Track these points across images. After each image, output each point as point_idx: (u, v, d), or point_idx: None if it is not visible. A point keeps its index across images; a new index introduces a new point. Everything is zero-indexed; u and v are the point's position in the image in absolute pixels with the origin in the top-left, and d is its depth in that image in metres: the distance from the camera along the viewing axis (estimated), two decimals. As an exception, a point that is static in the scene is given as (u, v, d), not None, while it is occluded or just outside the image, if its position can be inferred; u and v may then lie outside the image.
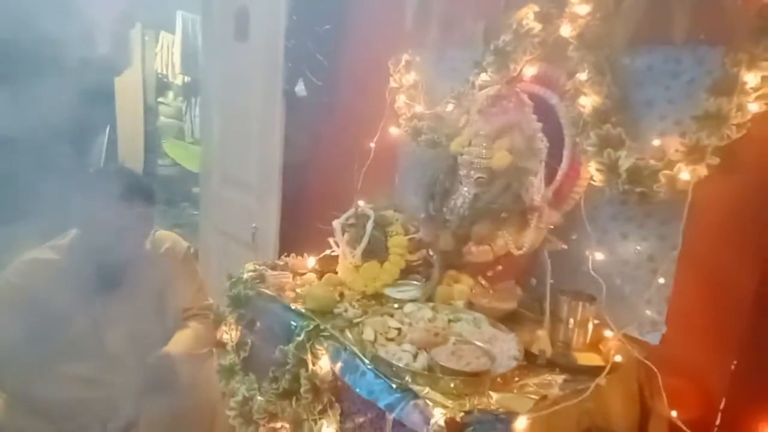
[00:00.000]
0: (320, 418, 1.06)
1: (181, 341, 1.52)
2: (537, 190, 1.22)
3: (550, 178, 1.27)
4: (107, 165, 3.29)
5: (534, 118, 1.28)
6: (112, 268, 1.51)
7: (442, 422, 0.83)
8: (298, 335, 1.13)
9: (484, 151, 1.24)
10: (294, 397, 1.12)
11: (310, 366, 1.09)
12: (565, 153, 1.29)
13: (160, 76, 5.06)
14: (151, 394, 1.42)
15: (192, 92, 5.10)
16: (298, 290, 1.31)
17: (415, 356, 0.98)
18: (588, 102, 1.19)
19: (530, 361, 1.01)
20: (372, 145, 1.71)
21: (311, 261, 1.47)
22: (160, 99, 5.15)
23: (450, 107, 1.53)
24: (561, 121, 1.30)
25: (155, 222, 1.62)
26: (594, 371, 1.00)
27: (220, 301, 1.51)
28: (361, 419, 1.03)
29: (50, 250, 1.53)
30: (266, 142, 2.03)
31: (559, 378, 0.96)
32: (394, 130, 1.70)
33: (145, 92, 4.78)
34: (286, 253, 1.56)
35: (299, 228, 2.01)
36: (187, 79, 5.05)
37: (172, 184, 4.53)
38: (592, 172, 1.19)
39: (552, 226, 1.22)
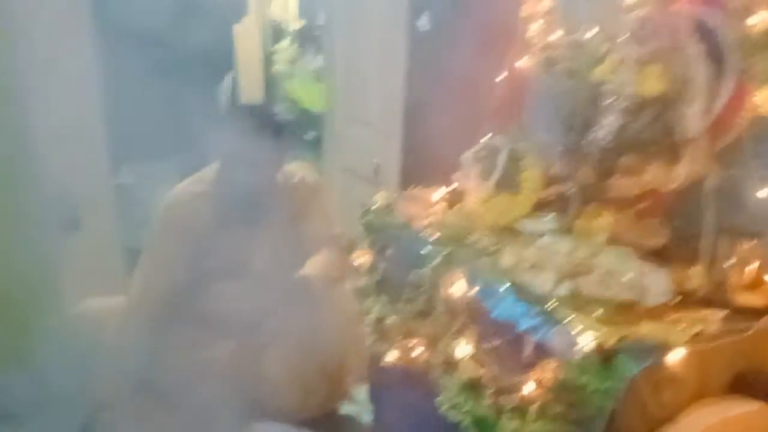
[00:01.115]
0: (457, 338, 1.09)
1: (315, 265, 1.62)
2: (692, 121, 1.13)
3: (708, 107, 1.17)
4: (241, 104, 3.45)
5: (691, 41, 1.17)
6: (251, 197, 1.63)
7: (591, 346, 0.82)
8: (433, 260, 1.16)
9: (632, 78, 1.16)
10: (429, 318, 1.16)
11: (446, 289, 1.12)
12: (727, 80, 1.18)
13: (275, 23, 5.18)
14: (291, 311, 1.55)
15: (308, 37, 5.19)
16: (429, 219, 1.33)
17: (556, 284, 0.98)
18: (758, 21, 1.07)
19: (683, 298, 0.97)
20: (500, 78, 1.65)
21: (439, 193, 1.48)
22: (276, 46, 5.29)
23: (591, 33, 1.43)
24: (723, 44, 1.18)
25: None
26: (754, 312, 0.94)
27: (348, 230, 1.59)
28: (498, 341, 1.05)
29: (198, 182, 1.67)
30: (389, 79, 2.04)
31: (717, 315, 0.91)
32: (524, 62, 1.63)
33: (262, 40, 4.92)
34: (407, 187, 1.60)
35: (421, 163, 2.02)
36: (302, 23, 5.12)
37: (292, 127, 4.71)
38: (760, 101, 1.07)
39: (708, 160, 1.13)
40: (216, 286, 1.63)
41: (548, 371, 0.92)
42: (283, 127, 1.67)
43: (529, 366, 0.97)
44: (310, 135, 3.92)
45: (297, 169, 1.78)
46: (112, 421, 1.54)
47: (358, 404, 1.99)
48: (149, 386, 1.55)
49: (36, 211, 1.72)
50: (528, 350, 0.96)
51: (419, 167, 2.04)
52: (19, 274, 1.74)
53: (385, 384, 1.49)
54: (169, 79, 2.38)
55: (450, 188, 1.48)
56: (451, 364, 1.10)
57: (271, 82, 4.84)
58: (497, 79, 1.64)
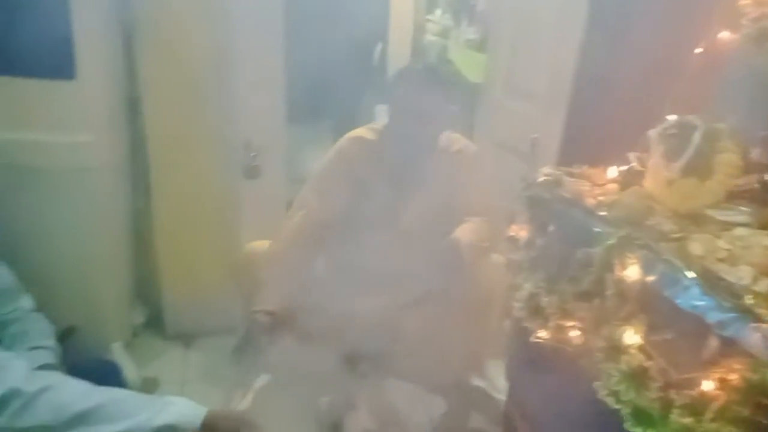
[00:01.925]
0: (623, 325, 1.03)
1: (466, 232, 1.62)
2: None
3: None
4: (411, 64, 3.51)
5: None
6: (413, 153, 1.67)
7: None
8: (606, 240, 1.09)
9: None
10: (594, 299, 1.11)
11: (618, 272, 1.06)
12: None
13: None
14: (437, 274, 1.57)
15: (462, 8, 5.11)
16: (600, 198, 1.26)
17: (755, 279, 0.88)
18: None
19: None
20: (698, 51, 1.50)
21: (612, 172, 1.39)
22: (428, 17, 5.28)
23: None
24: None
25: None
26: None
27: (502, 204, 1.56)
28: (670, 334, 0.98)
29: (370, 130, 1.77)
30: (561, 50, 1.94)
31: None
32: (727, 35, 1.46)
33: (414, 10, 4.93)
34: (565, 165, 1.52)
35: (584, 140, 1.91)
36: (457, -7, 5.04)
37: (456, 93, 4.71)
38: None
39: None
40: (366, 237, 1.70)
41: (735, 370, 0.83)
42: (451, 90, 1.69)
43: (710, 362, 0.89)
44: (463, 106, 3.88)
45: (458, 139, 1.78)
46: (258, 346, 1.66)
47: (489, 379, 1.99)
48: (294, 321, 1.66)
49: (223, 158, 1.90)
50: (712, 345, 0.88)
51: (582, 144, 1.93)
52: (202, 213, 1.95)
53: (528, 363, 1.46)
54: (329, 44, 2.49)
55: (624, 167, 1.39)
56: (614, 351, 1.04)
57: (422, 51, 4.86)
58: (692, 53, 1.49)
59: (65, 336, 1.83)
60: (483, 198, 1.74)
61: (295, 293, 1.70)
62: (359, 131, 1.78)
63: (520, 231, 1.43)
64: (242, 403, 1.76)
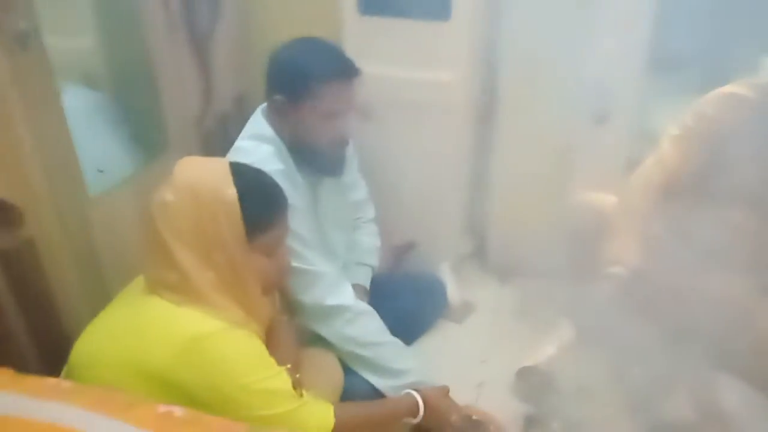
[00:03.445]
0: None
1: None
2: None
3: None
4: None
5: None
6: None
7: None
8: None
9: None
10: None
11: None
12: None
13: None
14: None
15: None
16: None
17: None
18: None
19: None
20: None
21: None
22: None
23: None
24: None
25: None
26: None
27: None
28: None
29: (750, 86, 1.47)
30: None
31: None
32: None
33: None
34: None
35: None
36: None
37: None
38: None
39: None
40: (728, 214, 1.44)
41: None
42: None
43: None
44: None
45: None
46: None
47: None
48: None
49: (571, 100, 1.84)
50: None
51: None
52: (542, 155, 1.94)
53: None
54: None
55: None
56: None
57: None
58: None
59: (406, 249, 2.11)
60: None
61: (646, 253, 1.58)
62: (733, 87, 1.49)
63: None
64: (544, 352, 1.76)
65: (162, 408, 0.81)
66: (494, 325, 2.01)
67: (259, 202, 1.07)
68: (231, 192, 1.01)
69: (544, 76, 1.87)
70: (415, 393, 1.29)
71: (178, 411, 0.82)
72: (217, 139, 1.87)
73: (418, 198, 2.02)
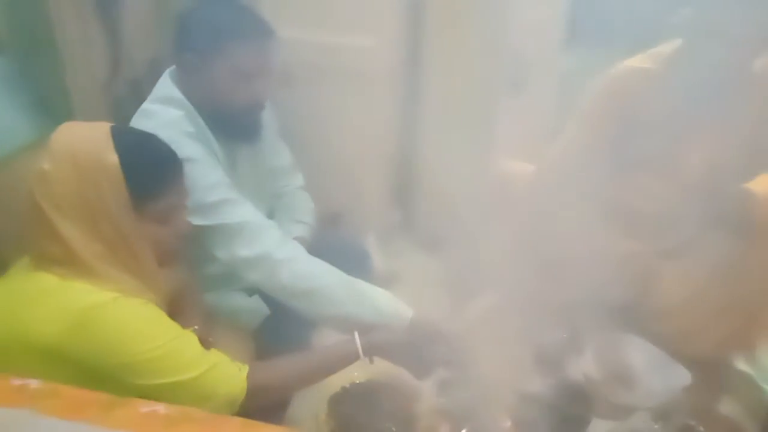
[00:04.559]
0: None
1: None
2: None
3: None
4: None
5: None
6: (707, 87, 1.38)
7: None
8: None
9: None
10: None
11: None
12: None
13: None
14: (715, 227, 1.31)
15: None
16: None
17: None
18: None
19: None
20: None
21: None
22: None
23: None
24: None
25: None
26: None
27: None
28: None
29: (648, 58, 1.52)
30: None
31: None
32: None
33: None
34: None
35: None
36: None
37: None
38: None
39: None
40: (638, 178, 1.50)
41: None
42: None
43: None
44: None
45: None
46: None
47: (760, 368, 1.64)
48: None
49: (491, 69, 1.85)
50: None
51: None
52: (466, 126, 1.96)
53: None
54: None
55: None
56: None
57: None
58: None
59: (331, 220, 2.09)
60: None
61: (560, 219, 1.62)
62: (632, 61, 1.54)
63: None
64: (466, 318, 1.80)
65: (144, 408, 0.77)
66: (419, 296, 2.03)
67: (146, 168, 1.02)
68: (112, 158, 0.97)
69: (466, 45, 1.88)
70: (356, 337, 1.18)
71: (162, 409, 0.78)
72: (129, 105, 1.78)
73: (342, 168, 2.00)
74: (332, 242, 2.01)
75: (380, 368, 1.46)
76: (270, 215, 1.63)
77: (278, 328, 1.39)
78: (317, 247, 1.89)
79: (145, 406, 0.74)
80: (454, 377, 1.44)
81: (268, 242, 1.29)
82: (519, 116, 1.88)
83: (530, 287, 1.64)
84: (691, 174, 1.47)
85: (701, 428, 1.36)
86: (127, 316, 0.98)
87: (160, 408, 0.75)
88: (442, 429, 1.33)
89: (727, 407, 1.53)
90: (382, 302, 1.29)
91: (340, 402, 1.50)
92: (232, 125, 1.43)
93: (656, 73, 1.45)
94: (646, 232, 1.48)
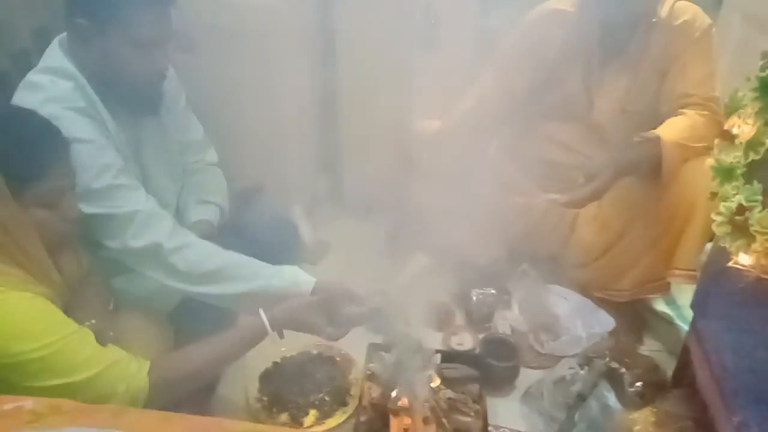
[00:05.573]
0: None
1: (674, 127, 1.33)
2: None
3: None
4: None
5: None
6: (619, 25, 1.39)
7: None
8: None
9: None
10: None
11: None
12: None
13: None
14: (626, 172, 1.33)
15: None
16: None
17: None
18: None
19: None
20: None
21: None
22: None
23: None
24: None
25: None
26: None
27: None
28: None
29: (567, 1, 1.50)
30: None
31: None
32: None
33: None
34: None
35: None
36: None
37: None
38: None
39: None
40: (548, 127, 1.50)
41: None
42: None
43: None
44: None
45: (687, 9, 1.42)
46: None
47: (675, 305, 1.72)
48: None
49: (402, 27, 1.80)
50: None
51: None
52: (382, 86, 1.91)
53: (722, 292, 1.19)
54: None
55: None
56: None
57: None
58: None
59: (251, 193, 2.00)
60: (709, 85, 1.40)
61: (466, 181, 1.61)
62: (554, 2, 1.53)
63: (743, 126, 1.11)
64: (398, 281, 1.79)
65: (8, 405, 0.69)
66: (350, 264, 2.00)
67: (22, 150, 0.93)
68: None
69: (378, 4, 1.82)
70: (261, 313, 1.15)
71: (29, 404, 0.70)
72: (14, 78, 1.63)
73: (261, 137, 1.92)
74: (256, 217, 1.94)
75: (312, 340, 1.45)
76: (180, 194, 1.54)
77: (195, 309, 1.32)
78: (240, 224, 1.82)
79: (10, 403, 0.68)
80: (384, 340, 1.44)
81: (159, 232, 1.22)
82: (434, 74, 1.85)
83: (457, 246, 1.64)
84: (603, 124, 1.49)
85: (623, 369, 1.41)
86: (11, 313, 0.89)
87: (27, 403, 0.68)
88: (374, 393, 1.32)
89: (647, 347, 1.60)
90: (281, 274, 1.26)
91: (271, 377, 1.47)
92: (131, 98, 1.31)
93: (574, 15, 1.46)
94: (561, 183, 1.49)
